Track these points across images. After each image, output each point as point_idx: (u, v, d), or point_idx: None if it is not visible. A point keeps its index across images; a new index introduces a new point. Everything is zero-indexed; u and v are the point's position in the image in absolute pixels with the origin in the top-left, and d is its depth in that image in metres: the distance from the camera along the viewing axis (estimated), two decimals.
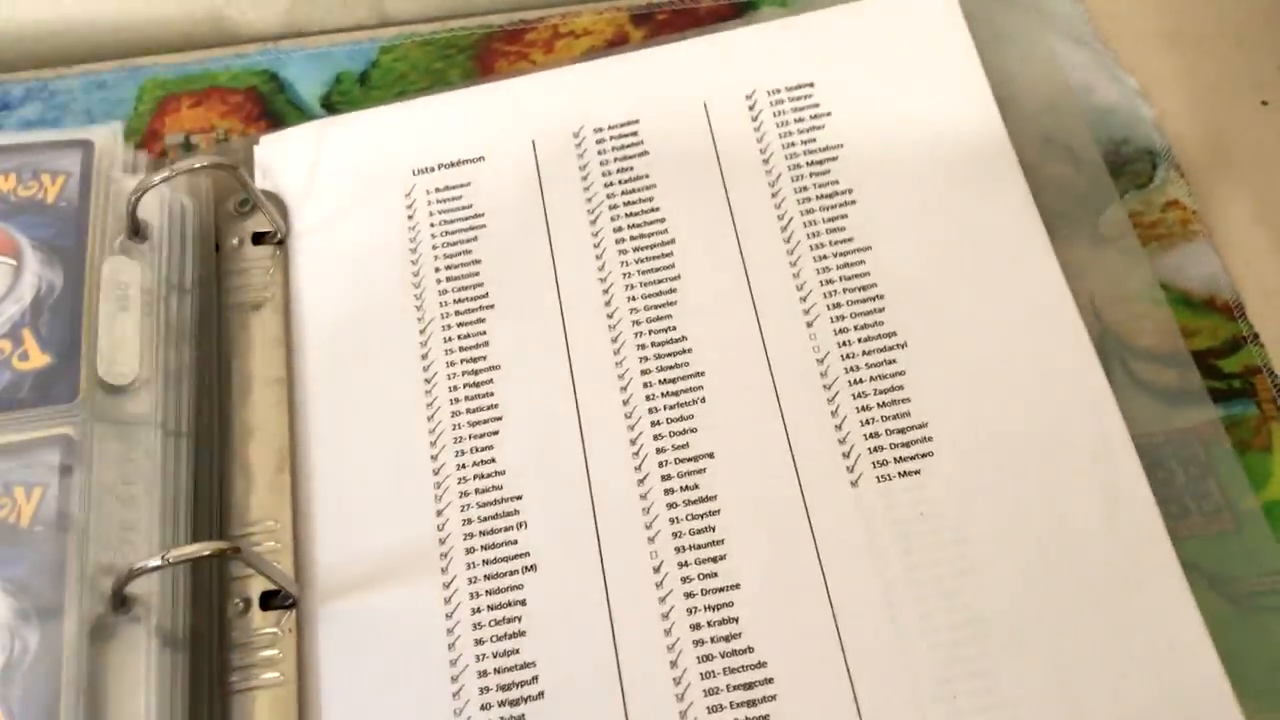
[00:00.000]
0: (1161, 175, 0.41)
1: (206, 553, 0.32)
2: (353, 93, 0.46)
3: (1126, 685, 0.32)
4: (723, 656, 0.33)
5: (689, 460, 0.36)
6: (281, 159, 0.43)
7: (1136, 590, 0.33)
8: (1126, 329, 0.38)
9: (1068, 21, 0.44)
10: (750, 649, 0.33)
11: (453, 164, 0.42)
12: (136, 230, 0.39)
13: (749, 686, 0.33)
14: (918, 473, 0.35)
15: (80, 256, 0.39)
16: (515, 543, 0.36)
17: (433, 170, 0.42)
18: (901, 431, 0.36)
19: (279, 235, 0.41)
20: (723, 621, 0.34)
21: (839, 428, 0.36)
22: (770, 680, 0.33)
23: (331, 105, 0.45)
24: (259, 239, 0.41)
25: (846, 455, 0.36)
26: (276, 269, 0.41)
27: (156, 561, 0.31)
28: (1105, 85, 0.42)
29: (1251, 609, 0.33)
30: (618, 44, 0.46)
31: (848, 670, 0.33)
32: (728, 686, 0.33)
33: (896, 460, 0.36)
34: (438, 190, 0.42)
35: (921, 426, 0.36)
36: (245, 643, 0.34)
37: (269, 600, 0.35)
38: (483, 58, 0.46)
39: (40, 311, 0.37)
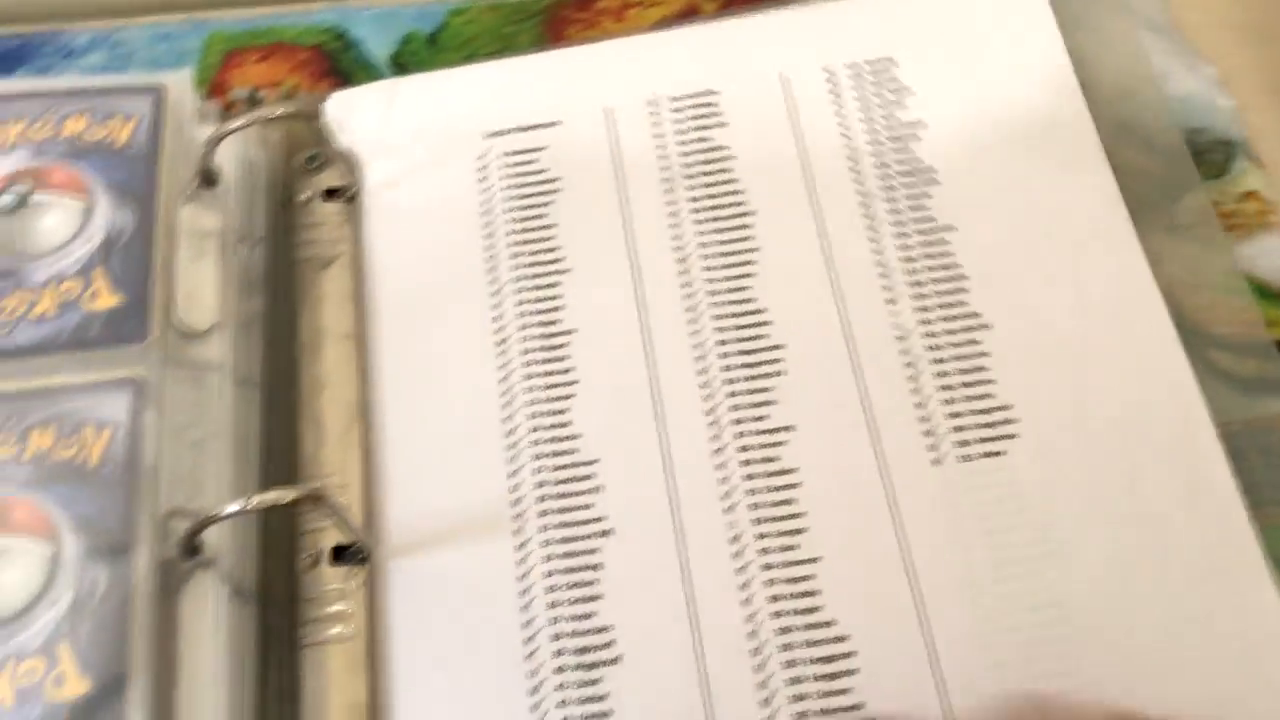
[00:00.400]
0: (1239, 166, 0.40)
1: (290, 498, 0.31)
2: (421, 54, 0.45)
3: (1208, 675, 0.32)
4: (803, 629, 0.33)
5: (767, 432, 0.36)
6: (352, 116, 0.42)
7: (1218, 580, 0.33)
8: (1204, 317, 0.38)
9: (1145, 8, 0.44)
10: (831, 622, 0.33)
11: (526, 128, 0.42)
12: (210, 178, 0.39)
13: (829, 660, 0.32)
14: (1001, 454, 0.35)
15: (151, 200, 0.38)
16: (590, 507, 0.35)
17: (506, 133, 0.42)
18: (985, 412, 0.35)
19: (351, 192, 0.40)
20: (803, 594, 0.33)
21: (920, 405, 0.36)
22: (851, 654, 0.32)
23: (401, 65, 0.45)
24: (330, 195, 0.41)
25: (929, 434, 0.35)
26: (348, 225, 0.40)
27: (239, 505, 0.31)
28: (1183, 74, 0.42)
29: None
30: (689, 15, 0.45)
31: (930, 648, 0.32)
32: (808, 659, 0.32)
33: (980, 440, 0.35)
34: (511, 154, 0.41)
35: (1005, 408, 0.35)
36: (314, 596, 0.34)
37: (339, 555, 0.34)
38: (553, 24, 0.46)
39: (111, 252, 0.37)
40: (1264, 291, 0.38)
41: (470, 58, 0.45)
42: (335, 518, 0.32)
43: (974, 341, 0.37)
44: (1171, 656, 0.32)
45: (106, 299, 0.36)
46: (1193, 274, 0.39)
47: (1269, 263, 0.39)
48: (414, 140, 0.42)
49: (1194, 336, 0.37)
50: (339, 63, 0.45)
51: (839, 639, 0.33)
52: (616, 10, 0.46)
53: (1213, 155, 0.41)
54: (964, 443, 0.35)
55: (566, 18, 0.46)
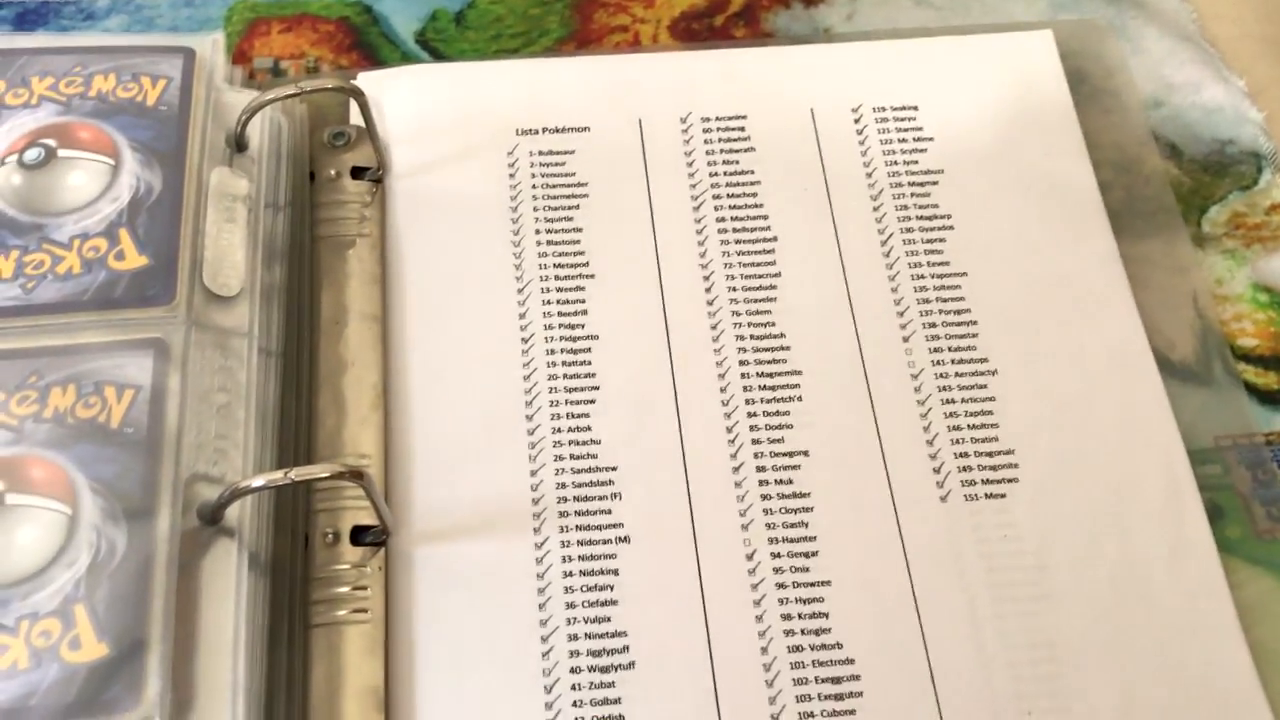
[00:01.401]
0: (1267, 178, 0.42)
1: (330, 474, 0.31)
2: (448, 31, 0.45)
3: (1179, 715, 0.33)
4: (812, 649, 0.34)
5: (784, 455, 0.37)
6: (383, 96, 0.42)
7: (1194, 636, 0.35)
8: (1229, 328, 0.39)
9: (1175, 18, 0.45)
10: (839, 645, 0.34)
11: (558, 130, 0.42)
12: (240, 143, 0.38)
13: (836, 681, 0.33)
14: (1003, 496, 0.36)
15: (180, 161, 0.37)
16: (610, 513, 0.35)
17: (537, 133, 0.42)
18: (990, 455, 0.37)
19: (379, 172, 0.40)
20: (814, 615, 0.34)
21: (930, 443, 0.37)
22: (857, 677, 0.33)
23: (426, 42, 0.45)
24: (356, 174, 0.40)
25: (937, 470, 0.37)
26: (374, 206, 0.40)
27: (278, 476, 0.30)
28: (1212, 85, 0.44)
29: None
30: (719, 4, 0.46)
31: (931, 675, 0.34)
32: (816, 679, 0.33)
33: (984, 482, 0.37)
34: (541, 153, 0.42)
35: (1009, 453, 0.37)
36: (328, 576, 0.33)
37: (358, 536, 0.34)
38: (581, 7, 0.46)
39: (138, 212, 0.36)
40: None
41: (497, 37, 0.45)
42: (370, 497, 0.32)
43: (981, 385, 0.38)
44: (1151, 705, 0.34)
45: (133, 259, 0.35)
46: (1218, 285, 0.40)
47: None
48: (445, 128, 0.42)
49: (1218, 347, 0.39)
50: (364, 36, 0.45)
51: (847, 661, 0.34)
52: None
53: (1242, 166, 0.42)
54: (970, 482, 0.36)
55: (596, 1, 0.46)
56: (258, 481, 0.31)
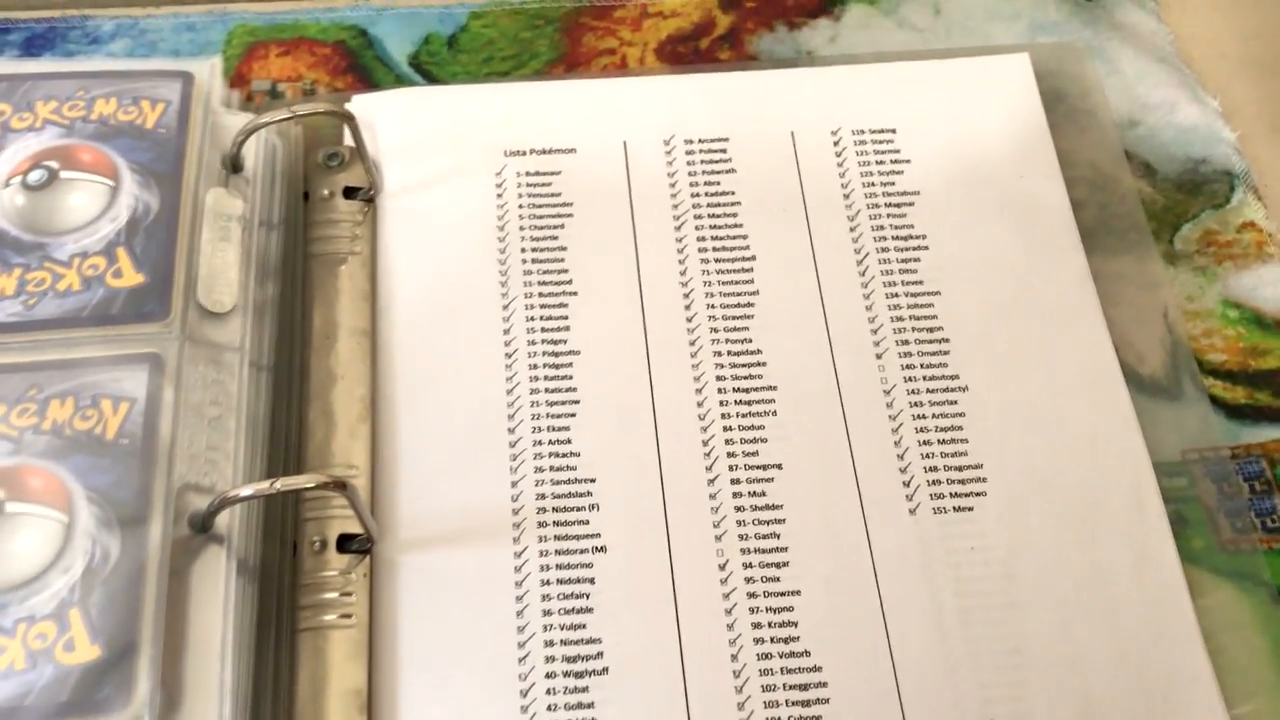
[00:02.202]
0: (1239, 196, 0.43)
1: (315, 484, 0.32)
2: (441, 54, 0.47)
3: None
4: (781, 656, 0.35)
5: (758, 468, 0.38)
6: (376, 119, 0.43)
7: (1156, 645, 0.36)
8: (1198, 343, 0.41)
9: (1152, 40, 0.47)
10: (807, 652, 0.35)
11: (545, 151, 0.43)
12: (236, 164, 0.40)
13: (804, 688, 0.34)
14: (971, 509, 0.37)
15: (176, 183, 0.39)
16: (587, 523, 0.37)
17: (525, 154, 0.43)
18: (959, 469, 0.38)
19: (371, 192, 0.42)
20: (783, 624, 0.35)
21: (901, 457, 0.38)
22: (824, 684, 0.35)
23: (420, 65, 0.46)
24: (349, 193, 0.42)
25: (907, 484, 0.38)
26: (365, 225, 0.41)
27: (264, 486, 0.32)
28: (1187, 105, 0.45)
29: None
30: (705, 27, 0.47)
31: (897, 684, 0.35)
32: (784, 685, 0.34)
33: (952, 495, 0.38)
34: (528, 174, 0.43)
35: (977, 467, 0.38)
36: (314, 582, 0.35)
37: (345, 544, 0.35)
38: (570, 31, 0.47)
39: (135, 232, 0.37)
40: (1260, 321, 0.41)
41: (488, 60, 0.46)
42: (353, 507, 0.33)
43: (952, 401, 0.39)
44: (1109, 703, 0.35)
45: (130, 277, 0.36)
46: (1189, 301, 0.41)
47: (1266, 293, 0.42)
48: (435, 149, 0.43)
49: (1188, 362, 0.40)
50: (359, 59, 0.46)
51: (815, 669, 0.35)
52: (634, 20, 0.48)
53: (1215, 185, 0.44)
54: (939, 496, 0.38)
55: (585, 25, 0.47)
56: (245, 491, 0.32)
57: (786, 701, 0.34)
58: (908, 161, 0.44)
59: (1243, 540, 0.37)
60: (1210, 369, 0.40)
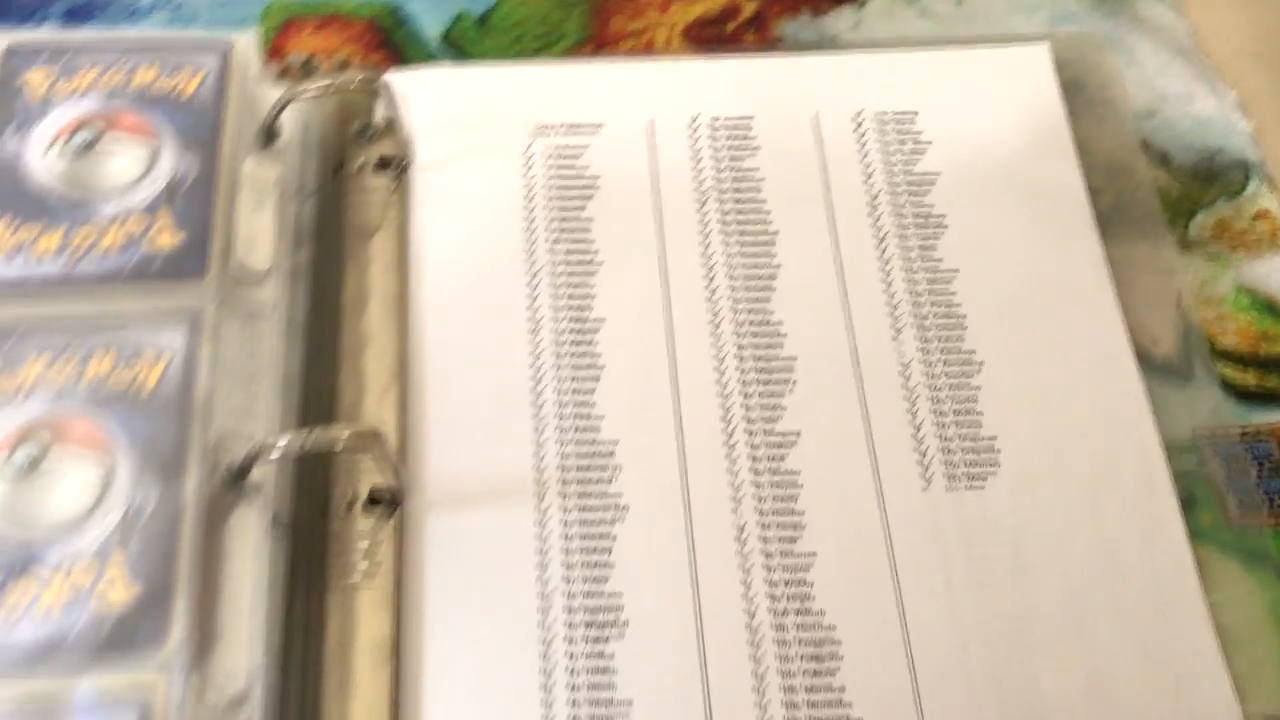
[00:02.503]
0: (1253, 186, 0.44)
1: (347, 436, 0.33)
2: (470, 33, 0.48)
3: (1148, 701, 0.35)
4: (796, 614, 0.36)
5: (776, 436, 0.39)
6: (409, 94, 0.44)
7: (1163, 618, 0.36)
8: (1211, 329, 0.41)
9: (1172, 34, 0.48)
10: (822, 612, 0.36)
11: (572, 128, 0.44)
12: (272, 134, 0.41)
13: (818, 644, 0.35)
14: (983, 486, 0.38)
15: (214, 149, 0.40)
16: (609, 485, 0.38)
17: (553, 131, 0.44)
18: (973, 442, 0.39)
19: (403, 165, 0.43)
20: (798, 584, 0.36)
21: (916, 430, 0.39)
22: (838, 643, 0.35)
23: (450, 43, 0.47)
24: (381, 166, 0.43)
25: (922, 458, 0.39)
26: (397, 196, 0.42)
27: (298, 439, 0.33)
28: (1204, 96, 0.46)
29: None
30: (731, 11, 0.48)
31: (908, 646, 0.35)
32: (799, 641, 0.35)
33: (966, 468, 0.38)
34: (556, 150, 0.44)
35: (991, 441, 0.39)
36: (345, 536, 0.36)
37: (373, 501, 0.36)
38: (599, 12, 0.48)
39: (175, 195, 0.39)
40: (1272, 308, 0.42)
41: (519, 39, 0.47)
42: (382, 462, 0.34)
43: (967, 377, 0.40)
44: (1118, 681, 0.35)
45: (169, 237, 0.38)
46: (1203, 287, 0.42)
47: (1278, 280, 0.43)
48: (465, 125, 0.44)
49: (1200, 346, 0.41)
50: (392, 36, 0.48)
51: (829, 627, 0.36)
52: (662, 2, 0.48)
53: (1229, 175, 0.45)
54: (952, 472, 0.38)
55: (613, 7, 0.48)
56: (281, 441, 0.33)
57: (801, 657, 0.35)
58: (929, 144, 0.45)
59: (1250, 519, 0.38)
60: (1222, 353, 0.41)
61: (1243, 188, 0.45)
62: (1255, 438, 0.39)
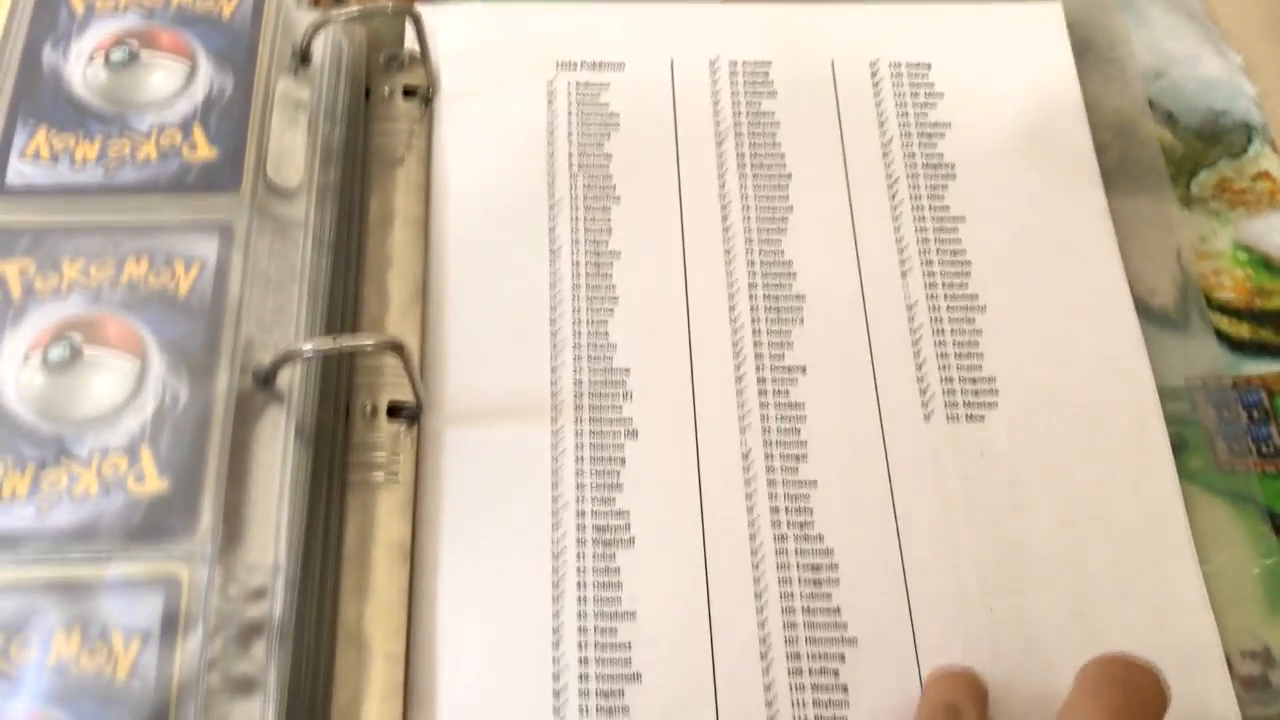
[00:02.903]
0: (1255, 148, 0.46)
1: (372, 343, 0.34)
2: None
3: (1133, 632, 0.37)
4: (796, 539, 0.37)
5: (783, 368, 0.40)
6: (435, 27, 0.45)
7: (1152, 555, 0.38)
8: (1208, 282, 0.43)
9: None
10: (821, 536, 0.37)
11: (595, 65, 0.45)
12: (305, 56, 0.42)
13: (816, 568, 0.37)
14: (982, 419, 0.40)
15: (250, 69, 0.41)
16: (621, 409, 0.39)
17: (576, 67, 0.45)
18: (973, 381, 0.40)
19: (429, 93, 0.44)
20: (799, 510, 0.38)
21: (919, 368, 0.40)
22: (835, 566, 0.37)
23: None
24: (408, 94, 0.44)
25: (923, 393, 0.40)
26: (423, 124, 0.43)
27: (326, 343, 0.34)
28: (1211, 58, 0.47)
29: None
30: None
31: (904, 570, 0.37)
32: (799, 564, 0.37)
33: (966, 405, 0.40)
34: (579, 85, 0.45)
35: (990, 380, 0.40)
36: (367, 443, 0.37)
37: (394, 412, 0.38)
38: None
39: (211, 110, 0.40)
40: (1268, 264, 0.43)
41: None
42: (407, 370, 0.35)
43: (970, 319, 0.41)
44: (1104, 612, 0.37)
45: (204, 151, 0.39)
46: (1202, 242, 0.44)
47: (1276, 239, 0.44)
48: (491, 57, 0.45)
49: (1196, 298, 0.42)
50: None
51: (827, 551, 0.37)
52: None
53: (1232, 136, 0.46)
54: (953, 405, 0.40)
55: None
56: (308, 346, 0.34)
57: (800, 579, 0.37)
58: (941, 95, 0.46)
59: (1238, 463, 0.39)
60: (1218, 305, 0.43)
61: (1245, 149, 0.46)
62: (1247, 387, 0.41)
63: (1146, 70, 0.47)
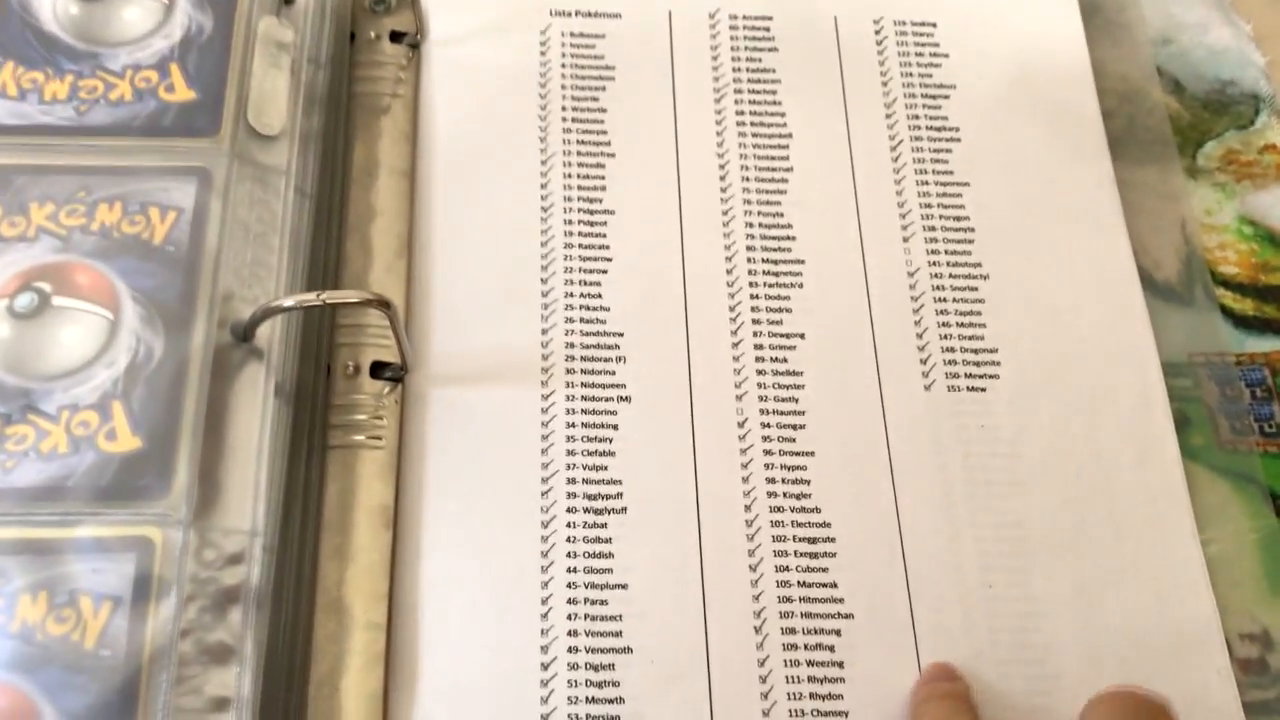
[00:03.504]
0: (1263, 120, 0.45)
1: (357, 300, 0.33)
2: None
3: (1133, 611, 0.36)
4: (792, 510, 0.36)
5: (781, 335, 0.39)
6: None
7: (1153, 532, 0.37)
8: (1213, 255, 0.42)
9: None
10: (818, 509, 0.36)
11: (590, 14, 0.44)
12: None
13: (813, 540, 0.36)
14: (984, 390, 0.39)
15: (230, 7, 0.39)
16: (614, 373, 0.38)
17: (571, 15, 0.44)
18: (975, 351, 0.39)
19: (417, 38, 0.42)
20: (796, 481, 0.36)
21: (920, 336, 0.39)
22: (832, 539, 0.36)
23: None
24: (395, 39, 0.42)
25: (924, 362, 0.39)
26: (410, 70, 0.42)
27: (310, 297, 0.32)
28: (1220, 27, 0.46)
29: None
30: None
31: (901, 544, 0.36)
32: (794, 536, 0.36)
33: (967, 375, 0.39)
34: (573, 35, 0.43)
35: (992, 351, 0.39)
36: (349, 404, 0.36)
37: (377, 371, 0.36)
38: None
39: (189, 50, 0.38)
40: (1273, 239, 0.42)
41: None
42: (393, 328, 0.34)
43: (973, 288, 0.40)
44: (1105, 588, 0.36)
45: (182, 92, 0.37)
46: (1207, 215, 0.43)
47: None
48: (483, 3, 0.44)
49: (1200, 272, 0.41)
50: None
51: (824, 524, 0.36)
52: None
53: (1241, 106, 0.45)
54: (954, 375, 0.39)
55: None
56: (289, 301, 0.33)
57: (796, 552, 0.35)
58: (946, 56, 0.44)
59: (1240, 442, 0.39)
60: (1222, 280, 0.42)
61: (1252, 120, 0.45)
62: (1250, 364, 0.40)
63: (1155, 35, 0.46)
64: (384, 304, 0.33)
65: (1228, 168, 0.44)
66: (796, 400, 0.38)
